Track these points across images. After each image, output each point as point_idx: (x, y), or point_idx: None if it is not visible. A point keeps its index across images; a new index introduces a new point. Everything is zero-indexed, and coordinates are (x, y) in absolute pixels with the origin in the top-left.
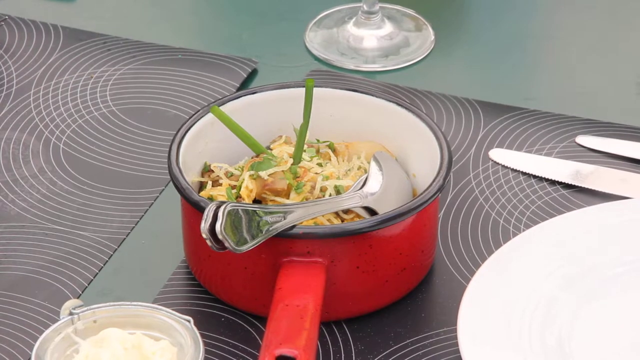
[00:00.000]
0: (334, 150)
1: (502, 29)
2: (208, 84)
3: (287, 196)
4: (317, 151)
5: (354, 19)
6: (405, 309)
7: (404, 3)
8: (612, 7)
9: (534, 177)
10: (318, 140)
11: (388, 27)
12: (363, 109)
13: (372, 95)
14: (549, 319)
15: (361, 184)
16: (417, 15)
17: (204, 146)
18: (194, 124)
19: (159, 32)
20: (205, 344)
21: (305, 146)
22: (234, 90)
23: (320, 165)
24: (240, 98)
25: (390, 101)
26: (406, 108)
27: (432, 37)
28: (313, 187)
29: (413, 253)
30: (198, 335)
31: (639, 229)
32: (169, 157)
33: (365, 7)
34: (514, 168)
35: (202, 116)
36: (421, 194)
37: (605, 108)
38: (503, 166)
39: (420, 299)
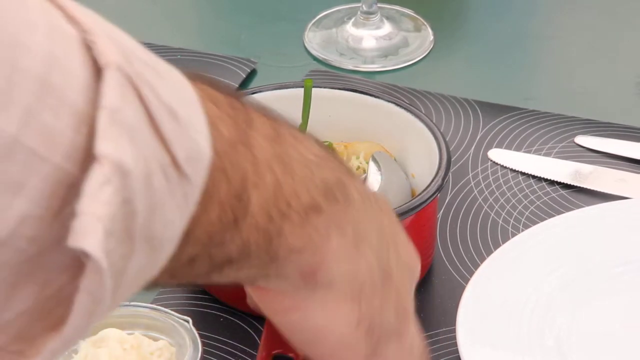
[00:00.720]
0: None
1: (502, 29)
2: None
3: None
4: None
5: (353, 19)
6: None
7: (402, 3)
8: (612, 7)
9: (533, 177)
10: None
11: (387, 28)
12: (362, 109)
13: (371, 95)
14: (547, 319)
15: None
16: (416, 16)
17: None
18: None
19: (158, 32)
20: (204, 344)
21: None
22: None
23: None
24: None
25: (389, 101)
26: (405, 108)
27: (431, 37)
28: None
29: None
30: (197, 335)
31: (638, 229)
32: None
33: (364, 8)
34: (513, 168)
35: None
36: (420, 194)
37: (604, 108)
38: (502, 166)
39: (418, 300)
